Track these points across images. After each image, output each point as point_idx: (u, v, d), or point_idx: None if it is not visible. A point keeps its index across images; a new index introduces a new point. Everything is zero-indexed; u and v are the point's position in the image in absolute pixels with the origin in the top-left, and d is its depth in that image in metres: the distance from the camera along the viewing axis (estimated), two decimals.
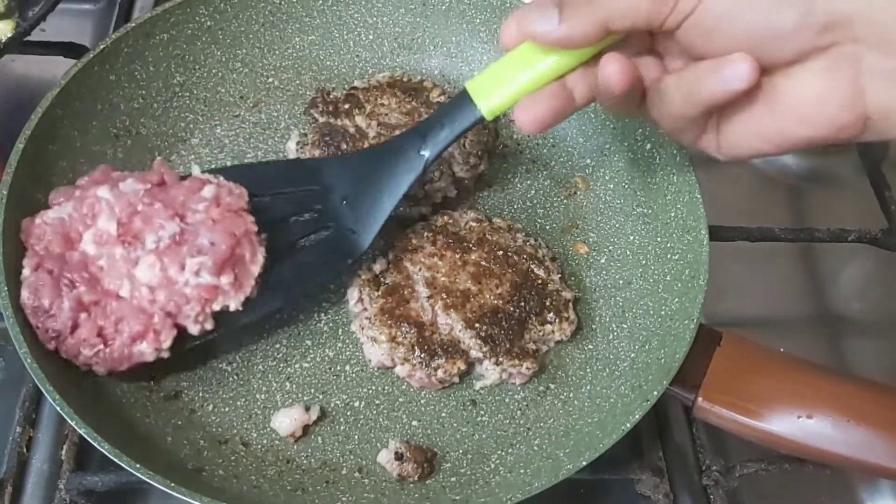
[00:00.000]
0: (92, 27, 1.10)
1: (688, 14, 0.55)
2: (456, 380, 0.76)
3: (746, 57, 0.55)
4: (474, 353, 0.75)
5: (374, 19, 0.95)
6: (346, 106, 0.87)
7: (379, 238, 0.76)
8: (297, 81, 0.93)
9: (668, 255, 0.80)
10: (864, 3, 0.51)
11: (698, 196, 0.79)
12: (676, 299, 0.77)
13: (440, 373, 0.74)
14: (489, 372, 0.75)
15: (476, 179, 0.88)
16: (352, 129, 0.86)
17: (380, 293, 0.77)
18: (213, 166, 0.84)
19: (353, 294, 0.78)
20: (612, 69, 0.59)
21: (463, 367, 0.74)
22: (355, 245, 0.75)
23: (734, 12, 0.54)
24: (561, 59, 0.63)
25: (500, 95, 0.66)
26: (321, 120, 0.87)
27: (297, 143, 0.86)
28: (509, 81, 0.65)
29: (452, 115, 0.69)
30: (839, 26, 0.52)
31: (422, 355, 0.74)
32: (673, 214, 0.81)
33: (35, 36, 0.89)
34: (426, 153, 0.72)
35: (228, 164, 0.86)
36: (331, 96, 0.89)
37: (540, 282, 0.79)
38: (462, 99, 0.68)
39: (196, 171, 0.76)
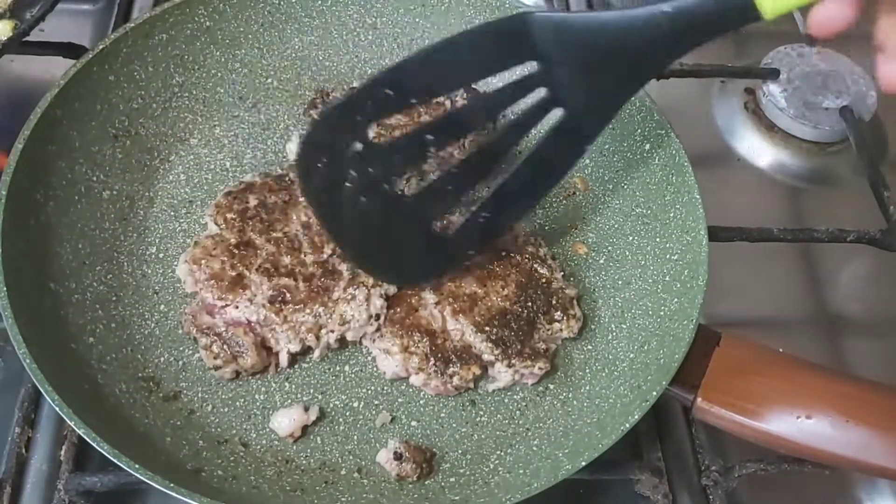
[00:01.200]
0: (91, 27, 1.10)
1: None
2: (471, 385, 0.76)
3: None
4: (486, 357, 0.75)
5: (374, 20, 0.95)
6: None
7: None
8: (297, 82, 0.93)
9: (668, 256, 0.80)
10: None
11: (697, 196, 0.79)
12: (675, 300, 0.77)
13: (456, 380, 0.73)
14: (501, 374, 0.75)
15: None
16: None
17: (387, 304, 0.77)
18: (211, 167, 0.84)
19: None
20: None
21: (478, 372, 0.74)
22: (589, 128, 0.65)
23: None
24: None
25: None
26: None
27: (298, 144, 0.86)
28: None
29: (724, 7, 0.57)
30: None
31: (436, 364, 0.74)
32: (672, 215, 0.81)
33: (34, 36, 0.89)
34: (682, 46, 0.59)
35: (227, 164, 0.86)
36: (330, 97, 0.89)
37: (544, 280, 0.79)
38: None
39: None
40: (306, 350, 0.75)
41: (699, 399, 0.71)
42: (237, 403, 0.74)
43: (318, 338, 0.74)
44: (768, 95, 1.08)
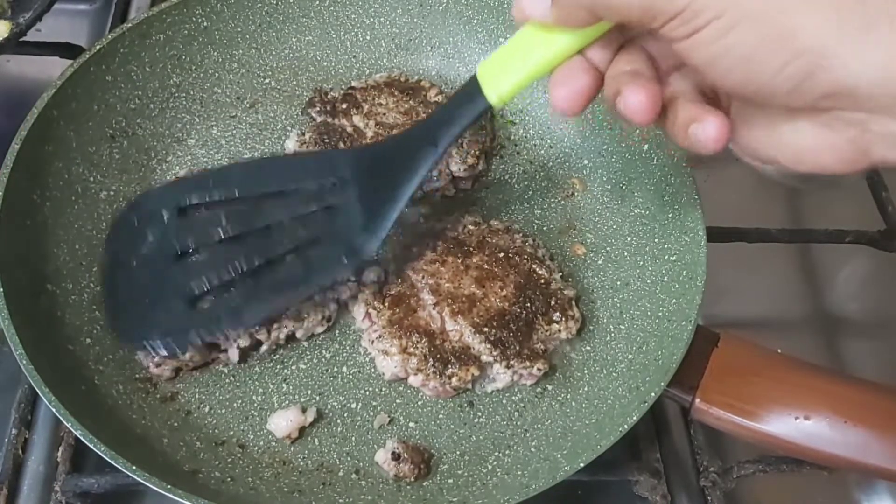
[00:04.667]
0: (88, 27, 1.10)
1: (696, 30, 0.51)
2: (470, 386, 0.75)
3: (719, 124, 0.54)
4: (485, 358, 0.75)
5: (372, 20, 0.95)
6: (344, 106, 0.87)
7: (384, 244, 0.73)
8: (294, 82, 0.93)
9: (666, 257, 0.80)
10: (868, 75, 0.48)
11: (696, 197, 0.79)
12: (674, 300, 0.76)
13: (454, 381, 0.73)
14: (500, 375, 0.75)
15: (474, 179, 0.88)
16: (349, 129, 0.86)
17: (386, 305, 0.77)
18: (209, 167, 0.84)
19: (359, 311, 0.78)
20: (634, 100, 0.56)
21: (477, 373, 0.74)
22: (367, 243, 0.71)
23: (739, 56, 0.50)
24: (565, 38, 0.59)
25: (507, 81, 0.62)
26: (319, 119, 0.87)
27: (296, 142, 0.86)
28: (516, 64, 0.61)
29: (462, 104, 0.67)
30: (841, 95, 0.49)
31: (435, 365, 0.73)
32: (670, 215, 0.81)
33: (31, 36, 0.89)
34: (436, 145, 0.68)
35: (225, 165, 0.86)
36: (328, 96, 0.89)
37: (543, 281, 0.79)
38: (470, 87, 0.65)
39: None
40: (256, 345, 0.75)
41: (697, 400, 0.71)
42: (234, 405, 0.74)
43: (269, 332, 0.74)
44: None
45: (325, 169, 0.74)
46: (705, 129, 0.54)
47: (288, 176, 0.75)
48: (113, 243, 0.76)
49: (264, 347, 0.75)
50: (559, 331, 0.77)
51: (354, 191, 0.72)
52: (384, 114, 0.87)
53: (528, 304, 0.77)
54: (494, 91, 0.63)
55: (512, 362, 0.74)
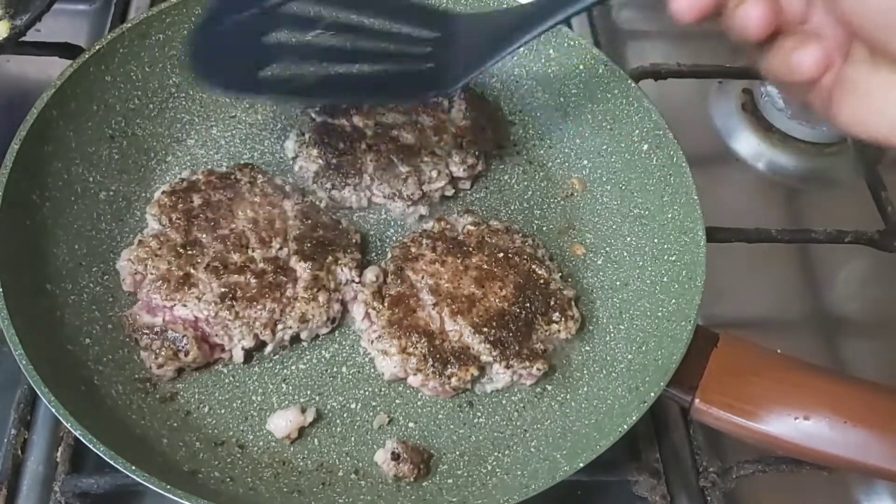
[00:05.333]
0: (87, 28, 1.10)
1: None
2: (469, 386, 0.75)
3: (816, 50, 0.53)
4: (484, 358, 0.75)
5: None
6: (344, 105, 0.87)
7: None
8: None
9: (665, 257, 0.80)
10: None
11: (695, 197, 0.79)
12: (673, 300, 0.76)
13: (454, 381, 0.73)
14: (499, 376, 0.75)
15: (473, 179, 0.88)
16: (349, 129, 0.86)
17: (385, 305, 0.77)
18: (208, 167, 0.84)
19: (358, 312, 0.78)
20: (755, 12, 0.54)
21: (476, 373, 0.74)
22: (444, 82, 0.72)
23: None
24: None
25: None
26: (318, 120, 0.87)
27: (296, 143, 0.86)
28: None
29: None
30: None
31: (434, 364, 0.73)
32: (670, 216, 0.81)
33: (30, 36, 0.89)
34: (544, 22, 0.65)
35: (225, 165, 0.86)
36: None
37: (542, 281, 0.79)
38: None
39: None
40: (260, 346, 0.75)
41: (697, 400, 0.71)
42: (234, 405, 0.74)
43: (273, 333, 0.74)
44: (766, 96, 1.08)
45: (434, 20, 0.74)
46: (805, 53, 0.54)
47: (388, 9, 0.74)
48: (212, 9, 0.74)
49: (268, 348, 0.75)
50: (559, 331, 0.77)
51: (447, 38, 0.72)
52: (384, 114, 0.87)
53: (528, 305, 0.77)
54: None
55: (511, 362, 0.74)
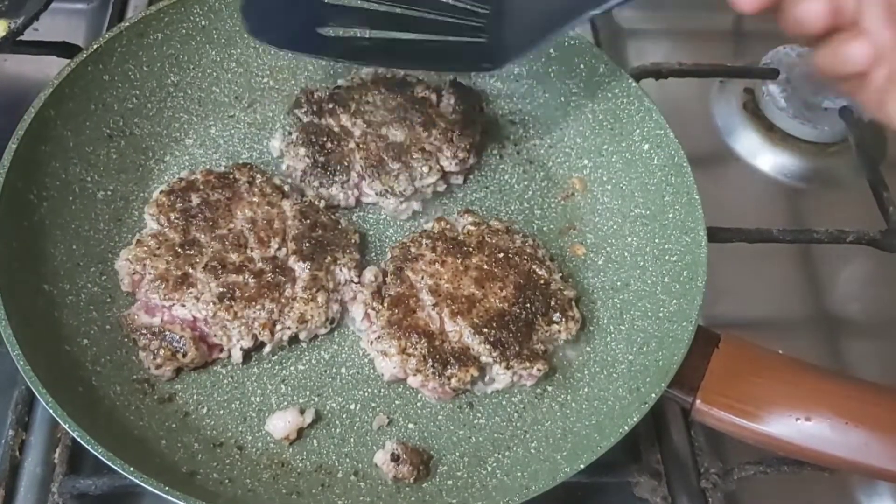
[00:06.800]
0: (85, 27, 1.10)
1: None
2: (469, 387, 0.75)
3: (865, 44, 0.55)
4: (484, 359, 0.74)
5: None
6: (331, 105, 0.87)
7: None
8: (293, 82, 0.93)
9: (667, 257, 0.80)
10: None
11: (696, 197, 0.79)
12: (675, 301, 0.76)
13: (454, 381, 0.73)
14: (500, 377, 0.75)
15: (466, 174, 0.88)
16: (336, 129, 0.85)
17: (385, 306, 0.76)
18: (208, 167, 0.83)
19: (357, 312, 0.77)
20: (814, 7, 0.57)
21: (476, 374, 0.74)
22: (494, 56, 0.73)
23: None
24: None
25: None
26: (305, 120, 0.87)
27: (282, 142, 0.86)
28: None
29: None
30: None
31: (434, 365, 0.73)
32: (671, 216, 0.81)
33: (28, 35, 0.89)
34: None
35: (223, 164, 0.86)
36: (315, 96, 0.88)
37: (543, 282, 0.79)
38: None
39: None
40: (259, 346, 0.75)
41: (698, 401, 0.71)
42: (232, 406, 0.74)
43: (272, 333, 0.74)
44: (767, 95, 1.08)
45: None
46: (856, 47, 0.56)
47: None
48: None
49: (267, 349, 0.75)
50: (559, 331, 0.77)
51: (501, 13, 0.73)
52: (372, 112, 0.86)
53: (528, 305, 0.77)
54: None
55: (512, 363, 0.74)
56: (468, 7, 0.74)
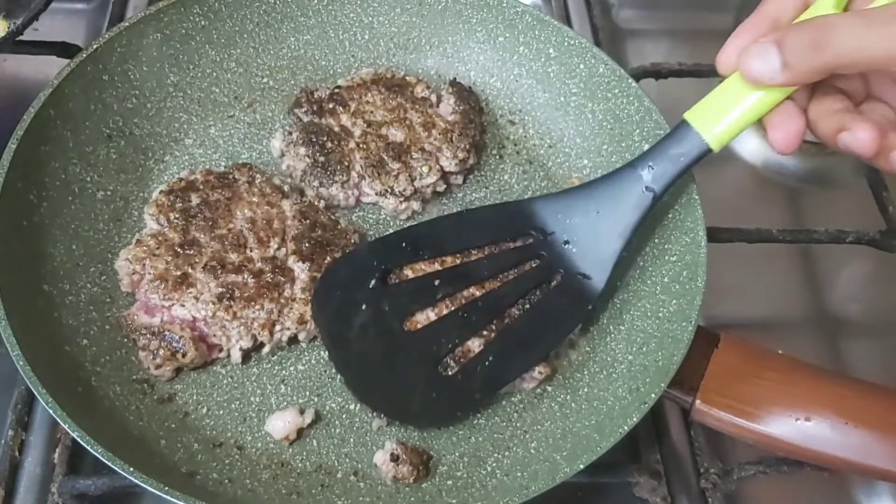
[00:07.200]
0: (85, 27, 1.10)
1: None
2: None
3: (871, 129, 0.56)
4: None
5: (370, 19, 0.95)
6: (331, 105, 0.87)
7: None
8: (293, 82, 0.93)
9: (666, 257, 0.80)
10: None
11: (696, 197, 0.79)
12: (674, 301, 0.76)
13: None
14: None
15: (466, 174, 0.88)
16: (336, 128, 0.85)
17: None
18: (207, 167, 0.83)
19: None
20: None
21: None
22: (590, 289, 0.73)
23: None
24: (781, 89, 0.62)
25: (725, 124, 0.65)
26: (305, 119, 0.87)
27: (283, 142, 0.86)
28: (732, 110, 0.64)
29: (676, 146, 0.68)
30: None
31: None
32: (670, 216, 0.81)
33: (27, 35, 0.89)
34: (653, 188, 0.70)
35: (223, 165, 0.86)
36: (315, 96, 0.88)
37: None
38: (683, 130, 0.67)
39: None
40: (258, 346, 0.75)
41: (698, 401, 0.71)
42: (232, 406, 0.74)
43: (271, 334, 0.74)
44: None
45: (523, 219, 0.75)
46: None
47: (482, 232, 0.76)
48: (326, 316, 0.74)
49: (266, 349, 0.75)
50: None
51: (563, 239, 0.74)
52: (371, 112, 0.86)
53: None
54: (710, 135, 0.66)
55: None
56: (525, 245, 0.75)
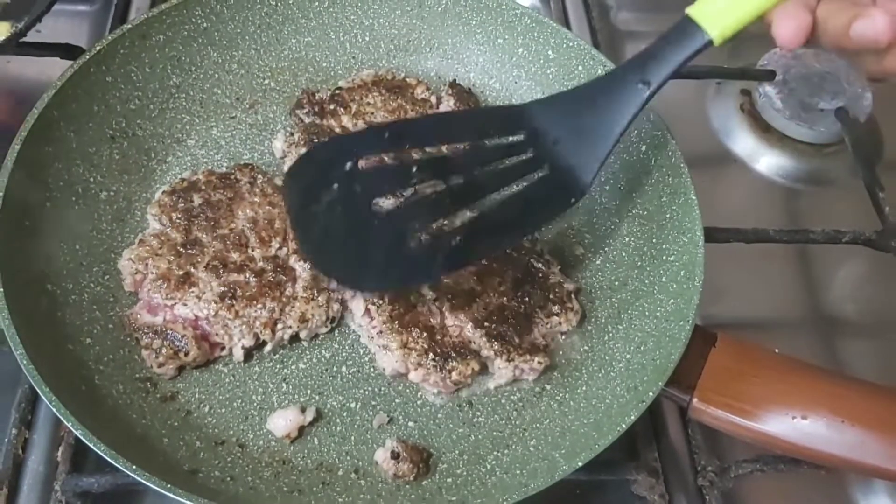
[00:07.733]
0: (88, 28, 1.10)
1: None
2: (469, 381, 0.75)
3: (888, 15, 0.55)
4: (485, 353, 0.75)
5: (371, 21, 0.95)
6: (332, 106, 0.87)
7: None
8: (294, 83, 0.93)
9: (664, 257, 0.80)
10: None
11: (693, 197, 0.79)
12: (672, 300, 0.77)
13: (455, 375, 0.73)
14: (501, 371, 0.75)
15: None
16: (337, 129, 0.86)
17: (386, 301, 0.77)
18: (209, 167, 0.84)
19: (358, 308, 0.77)
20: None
21: (477, 367, 0.74)
22: (575, 182, 0.71)
23: None
24: None
25: (730, 18, 0.62)
26: (307, 121, 0.87)
27: (285, 143, 0.87)
28: (735, 3, 0.62)
29: (676, 41, 0.65)
30: None
31: (435, 359, 0.73)
32: (668, 216, 0.81)
33: (31, 37, 0.89)
34: (649, 83, 0.67)
35: (224, 165, 0.86)
36: (316, 97, 0.89)
37: (541, 275, 0.79)
38: (685, 25, 0.64)
39: None
40: (260, 345, 0.76)
41: (695, 400, 0.71)
42: (234, 404, 0.74)
43: (273, 332, 0.75)
44: (764, 97, 1.08)
45: (514, 121, 0.72)
46: None
47: (475, 129, 0.73)
48: (297, 190, 0.70)
49: (268, 347, 0.76)
50: (560, 323, 0.78)
51: (553, 139, 0.71)
52: (372, 113, 0.87)
53: (527, 299, 0.77)
54: (714, 27, 0.63)
55: (512, 356, 0.75)
56: (515, 142, 0.71)
